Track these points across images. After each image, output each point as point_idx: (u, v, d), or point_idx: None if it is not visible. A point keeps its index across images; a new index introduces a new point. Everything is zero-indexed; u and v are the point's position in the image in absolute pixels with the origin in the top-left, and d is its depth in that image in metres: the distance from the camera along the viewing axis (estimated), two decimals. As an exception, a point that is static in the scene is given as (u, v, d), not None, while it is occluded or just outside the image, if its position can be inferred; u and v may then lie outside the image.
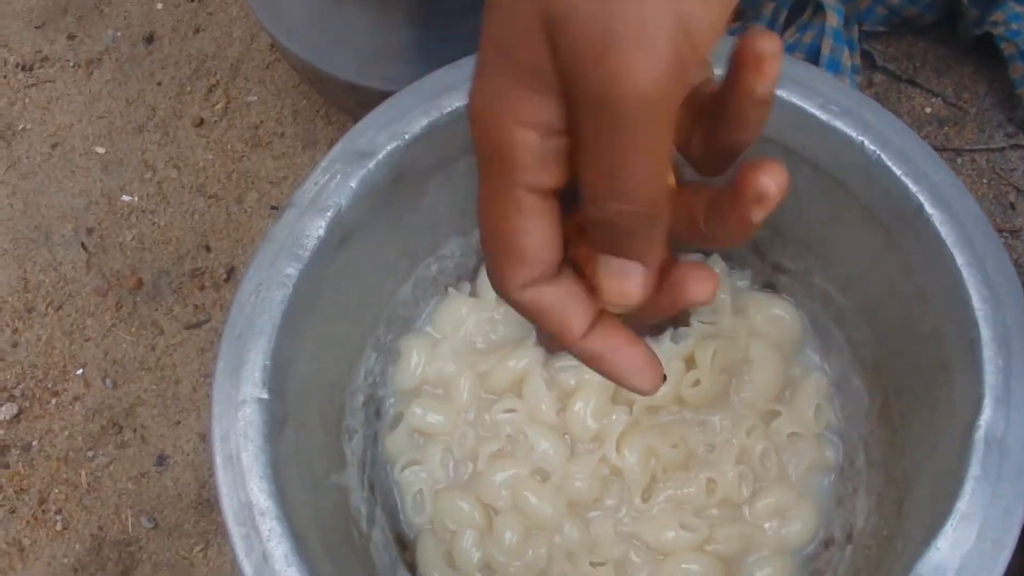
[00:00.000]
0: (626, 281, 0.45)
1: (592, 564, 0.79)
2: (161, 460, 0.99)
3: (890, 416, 0.80)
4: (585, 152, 0.40)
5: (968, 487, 0.63)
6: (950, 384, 0.70)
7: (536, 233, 0.45)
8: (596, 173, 0.40)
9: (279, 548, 0.63)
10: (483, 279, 0.88)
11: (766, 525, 0.82)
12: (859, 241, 0.78)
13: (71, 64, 1.18)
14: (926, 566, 0.62)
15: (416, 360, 0.86)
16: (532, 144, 0.41)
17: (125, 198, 1.10)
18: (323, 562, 0.67)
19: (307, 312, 0.72)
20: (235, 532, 0.64)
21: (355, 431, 0.82)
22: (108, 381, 1.02)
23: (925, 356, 0.74)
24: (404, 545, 0.83)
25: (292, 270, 0.71)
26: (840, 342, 0.85)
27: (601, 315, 0.49)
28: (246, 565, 0.63)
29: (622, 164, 0.39)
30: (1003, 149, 1.07)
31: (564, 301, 0.47)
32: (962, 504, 0.63)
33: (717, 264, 0.88)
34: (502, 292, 0.47)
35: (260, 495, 0.65)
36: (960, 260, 0.69)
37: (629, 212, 0.41)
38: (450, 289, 0.89)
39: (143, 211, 1.09)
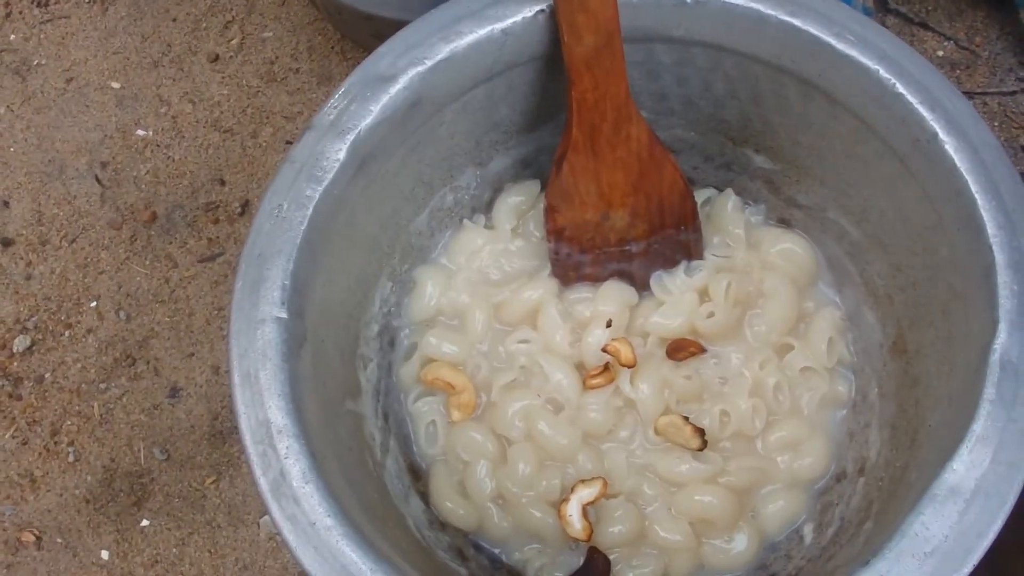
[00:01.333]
0: None
1: (607, 496, 0.79)
2: (174, 392, 0.99)
3: (903, 348, 0.80)
4: None
5: (983, 410, 0.63)
6: (965, 312, 0.70)
7: None
8: None
9: (296, 465, 0.64)
10: (498, 210, 0.88)
11: (779, 458, 0.82)
12: (874, 172, 0.78)
13: (86, 0, 1.18)
14: (941, 487, 0.62)
15: (431, 291, 0.86)
16: None
17: (140, 132, 1.10)
18: (339, 482, 0.67)
19: (326, 235, 0.72)
20: (253, 450, 0.64)
21: (370, 360, 0.82)
22: (122, 314, 1.02)
23: (940, 285, 0.74)
24: (417, 475, 0.83)
25: (312, 191, 0.70)
26: (854, 276, 0.85)
27: None
28: (263, 482, 0.63)
29: None
30: (1014, 93, 1.07)
31: None
32: (977, 427, 0.63)
33: (730, 198, 0.88)
34: None
35: (278, 413, 0.65)
36: (974, 187, 0.69)
37: None
38: (465, 221, 0.88)
39: (158, 145, 1.09)
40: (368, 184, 0.75)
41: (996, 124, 1.02)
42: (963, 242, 0.70)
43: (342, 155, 0.71)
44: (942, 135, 0.70)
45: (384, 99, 0.73)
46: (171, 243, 1.04)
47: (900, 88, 0.71)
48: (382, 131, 0.73)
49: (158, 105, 1.10)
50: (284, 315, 0.67)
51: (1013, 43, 1.07)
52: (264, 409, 0.65)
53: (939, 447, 0.68)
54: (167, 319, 1.01)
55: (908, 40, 1.07)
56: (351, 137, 0.71)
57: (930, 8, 1.08)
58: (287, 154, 0.71)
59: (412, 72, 0.73)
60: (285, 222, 0.69)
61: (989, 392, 0.63)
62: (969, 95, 1.03)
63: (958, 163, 0.70)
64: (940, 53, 1.06)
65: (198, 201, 1.05)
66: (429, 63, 0.74)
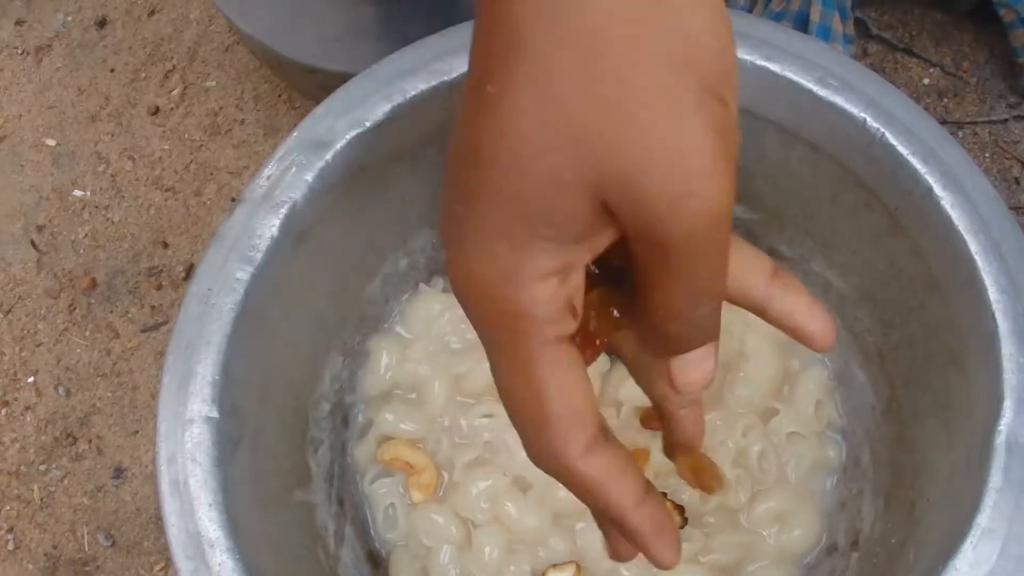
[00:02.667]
0: (707, 364, 0.45)
1: (580, 581, 0.73)
2: (118, 473, 0.93)
3: (898, 411, 0.74)
4: (658, 280, 0.38)
5: (989, 500, 0.57)
6: (965, 380, 0.64)
7: (580, 385, 0.42)
8: (679, 295, 0.39)
9: None
10: None
11: (765, 532, 0.77)
12: (862, 224, 0.72)
13: (19, 51, 1.12)
14: None
15: (386, 362, 0.80)
16: (553, 293, 0.39)
17: (77, 193, 1.04)
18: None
19: (262, 318, 0.66)
20: (183, 566, 0.59)
21: (321, 441, 0.76)
22: (61, 389, 0.96)
23: (937, 348, 0.68)
24: (376, 563, 0.78)
25: (243, 274, 0.64)
26: (842, 333, 0.79)
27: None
28: None
29: (708, 276, 0.38)
30: (1006, 121, 1.01)
31: (623, 461, 0.44)
32: (983, 519, 0.57)
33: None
34: (560, 466, 0.43)
35: (209, 525, 0.59)
36: (974, 247, 0.63)
37: (712, 310, 0.41)
38: (421, 285, 0.83)
39: (96, 206, 1.03)
40: (309, 258, 0.69)
41: (987, 155, 0.97)
42: (962, 305, 0.64)
43: (275, 231, 0.66)
44: (937, 190, 0.64)
45: (321, 166, 0.67)
46: (112, 311, 0.98)
47: (890, 138, 0.66)
48: (322, 201, 0.67)
49: (96, 163, 1.04)
50: (215, 414, 0.61)
51: (1002, 67, 1.01)
52: (195, 520, 0.59)
53: (940, 527, 0.62)
54: (109, 394, 0.95)
55: (892, 68, 1.01)
56: (284, 211, 0.66)
57: (914, 33, 1.03)
58: (216, 231, 0.65)
59: (352, 135, 0.67)
60: (214, 310, 0.64)
61: (995, 479, 0.58)
62: (958, 125, 0.98)
63: (955, 220, 0.64)
64: (926, 81, 1.01)
65: (140, 266, 0.99)
66: (369, 124, 0.68)
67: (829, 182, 0.72)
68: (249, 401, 0.65)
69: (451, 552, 0.75)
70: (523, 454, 0.73)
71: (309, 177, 0.66)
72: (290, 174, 0.66)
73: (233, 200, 1.00)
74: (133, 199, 1.02)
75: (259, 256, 0.65)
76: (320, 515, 0.74)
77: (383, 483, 0.79)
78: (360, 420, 0.81)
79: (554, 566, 0.73)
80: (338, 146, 0.67)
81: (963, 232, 0.64)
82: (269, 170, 0.67)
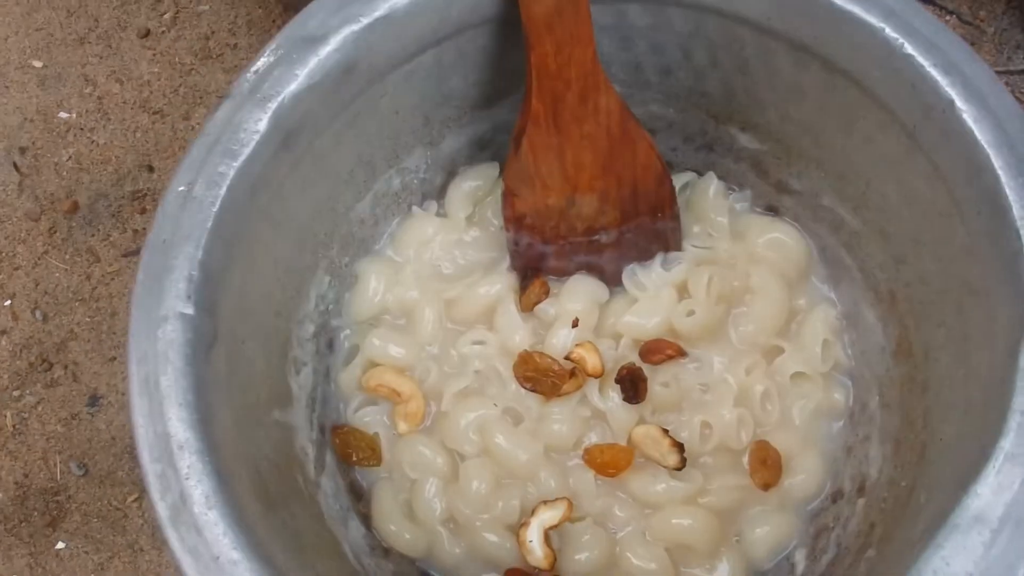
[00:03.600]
0: None
1: (572, 519, 0.70)
2: (94, 400, 0.90)
3: (909, 351, 0.71)
4: None
5: (1013, 422, 0.54)
6: (985, 308, 0.61)
7: None
8: None
9: (199, 487, 0.54)
10: (451, 197, 0.79)
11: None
12: (876, 149, 0.69)
13: (7, -27, 1.08)
14: (964, 515, 0.52)
15: (375, 286, 0.77)
16: None
17: (62, 115, 1.00)
18: (254, 507, 0.57)
19: (245, 219, 0.62)
20: (150, 470, 0.55)
21: (304, 364, 0.73)
22: (38, 313, 0.93)
23: (953, 279, 0.65)
24: (358, 495, 0.74)
25: (226, 168, 0.61)
26: (852, 270, 0.76)
27: None
28: (161, 507, 0.54)
29: None
30: (1023, 72, 0.97)
31: None
32: (1006, 443, 0.54)
33: (712, 183, 0.79)
34: None
35: (179, 425, 0.55)
36: (997, 161, 0.59)
37: None
38: (414, 208, 0.79)
39: (81, 129, 0.99)
40: (296, 162, 0.66)
41: (1004, 106, 0.93)
42: (983, 227, 0.61)
43: (262, 126, 0.62)
44: (959, 103, 0.61)
45: (312, 62, 0.63)
46: (93, 236, 0.94)
47: (909, 49, 0.62)
48: (310, 100, 0.64)
49: (83, 85, 1.00)
50: (190, 311, 0.58)
51: (1020, 18, 0.98)
52: (164, 421, 0.55)
53: (955, 465, 0.59)
54: (87, 319, 0.92)
55: (907, 14, 0.97)
56: (273, 106, 0.62)
57: (931, -21, 0.99)
58: (201, 126, 0.62)
59: (345, 31, 0.64)
60: (195, 203, 0.60)
61: (1019, 401, 0.54)
62: (973, 75, 0.94)
63: (978, 135, 0.60)
64: (942, 29, 0.97)
65: (124, 189, 0.96)
66: (365, 21, 0.64)
67: (843, 105, 0.68)
68: (228, 306, 0.61)
69: (437, 485, 0.72)
70: (514, 384, 0.72)
71: (299, 72, 0.63)
72: (279, 69, 0.63)
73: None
74: (119, 122, 0.99)
75: (244, 151, 0.61)
76: (300, 439, 0.70)
77: (367, 411, 0.75)
78: (346, 345, 0.77)
79: (545, 502, 0.70)
80: (331, 41, 0.64)
81: (986, 146, 0.60)
82: (257, 65, 0.63)
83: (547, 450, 0.72)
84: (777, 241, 0.78)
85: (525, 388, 0.72)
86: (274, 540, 0.57)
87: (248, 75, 0.63)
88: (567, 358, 0.72)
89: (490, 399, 0.73)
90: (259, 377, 0.66)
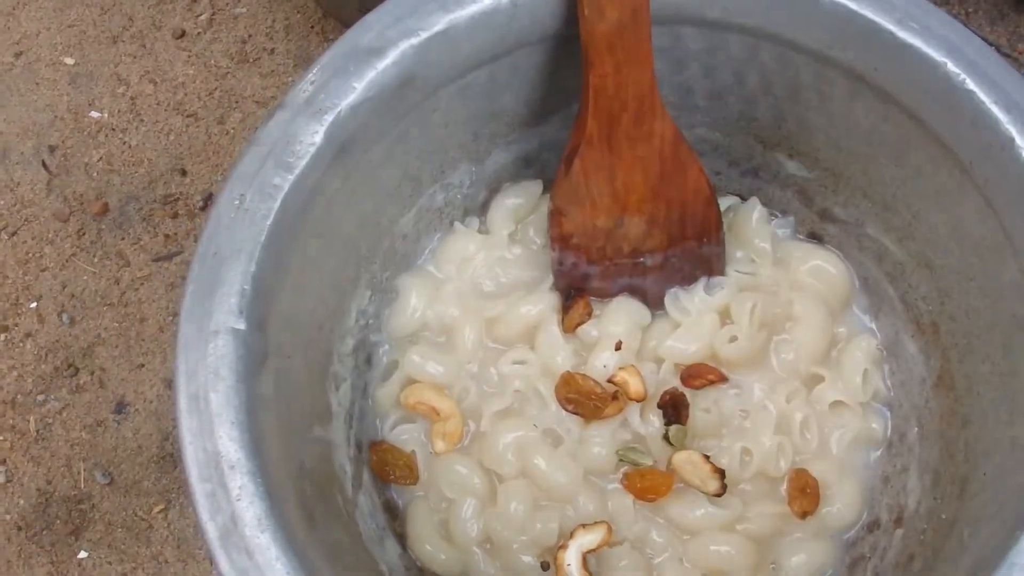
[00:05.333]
0: None
1: (610, 544, 0.69)
2: (120, 408, 0.89)
3: (951, 384, 0.70)
4: None
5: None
6: None
7: None
8: None
9: (251, 510, 0.53)
10: (494, 213, 0.78)
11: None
12: (927, 183, 0.68)
13: (40, -32, 1.07)
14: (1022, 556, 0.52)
15: (415, 302, 0.76)
16: None
17: (94, 114, 0.99)
18: (301, 527, 0.57)
19: (296, 232, 0.62)
20: (199, 489, 0.54)
21: (343, 379, 0.72)
22: (65, 317, 0.92)
23: (1002, 314, 0.64)
24: (394, 514, 0.73)
25: (281, 180, 0.60)
26: (894, 300, 0.76)
27: None
28: (211, 528, 0.53)
29: None
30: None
31: None
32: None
33: (756, 208, 0.78)
34: None
35: (231, 444, 0.54)
36: (1055, 200, 0.59)
37: None
38: (456, 224, 0.78)
39: (113, 129, 0.98)
40: (347, 175, 0.65)
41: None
42: None
43: (318, 138, 0.61)
44: (1019, 140, 0.60)
45: (370, 75, 0.63)
46: (123, 239, 0.93)
47: (971, 85, 0.62)
48: (366, 112, 0.63)
49: (115, 85, 1.00)
50: (242, 326, 0.57)
51: (1059, 50, 0.97)
52: (214, 440, 0.55)
53: (1000, 502, 0.59)
54: (115, 324, 0.91)
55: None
56: (330, 118, 0.61)
57: (970, 10, 0.99)
58: (253, 135, 0.61)
59: (404, 45, 0.63)
60: (248, 215, 0.59)
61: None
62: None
63: (1040, 171, 0.60)
64: (980, 59, 0.97)
65: (155, 193, 0.95)
66: (424, 35, 0.64)
67: (896, 137, 0.68)
68: (276, 321, 0.60)
69: (474, 506, 0.71)
70: (555, 405, 0.71)
71: (357, 85, 0.62)
72: (336, 80, 0.62)
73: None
74: (152, 123, 0.98)
75: (299, 164, 0.61)
76: (338, 456, 0.69)
77: (404, 429, 0.74)
78: (384, 361, 0.76)
79: (584, 526, 0.69)
80: (389, 55, 0.63)
81: None
82: (313, 75, 0.63)
83: (586, 473, 0.71)
84: (820, 269, 0.77)
85: (567, 410, 0.71)
86: (321, 562, 0.56)
87: (304, 85, 0.62)
88: (610, 381, 0.71)
89: (530, 420, 0.72)
90: (303, 393, 0.65)
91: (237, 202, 0.60)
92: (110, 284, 0.93)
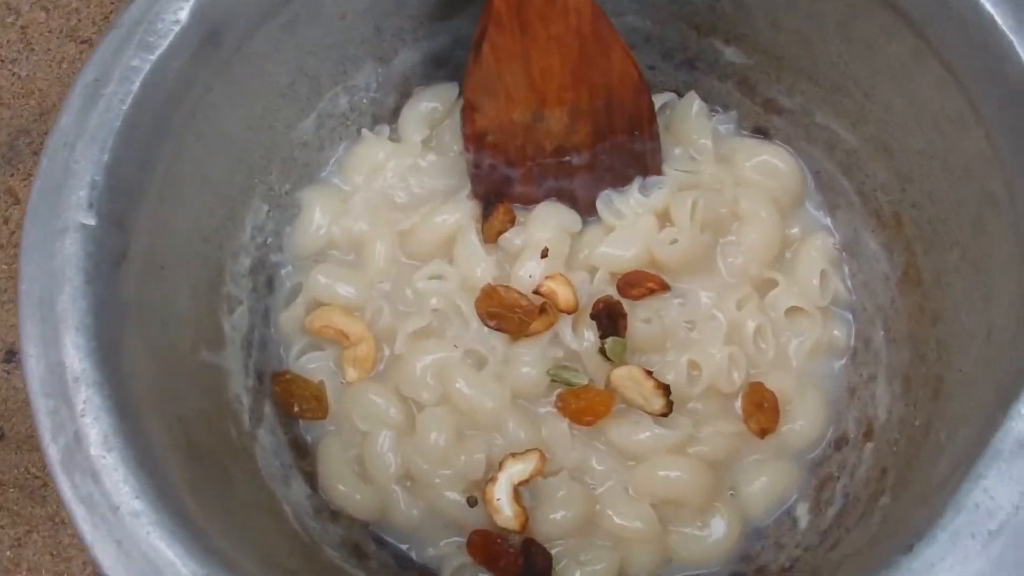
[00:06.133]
0: None
1: (545, 473, 0.63)
2: (10, 356, 0.81)
3: (917, 279, 0.65)
4: None
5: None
6: (1009, 217, 0.54)
7: None
8: None
9: (96, 426, 0.47)
10: (406, 119, 0.71)
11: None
12: (880, 56, 0.62)
13: (-77, -101, 1.00)
14: (1007, 439, 0.46)
15: (320, 217, 0.69)
16: None
17: (-20, 47, 0.92)
18: (169, 453, 0.50)
19: (165, 125, 0.55)
20: (40, 406, 0.48)
21: (239, 302, 0.65)
22: (-50, 263, 0.84)
23: (969, 192, 0.58)
24: (302, 451, 0.67)
25: (140, 62, 0.54)
26: (850, 193, 0.70)
27: None
28: (52, 451, 0.47)
29: None
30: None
31: None
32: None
33: (694, 102, 0.71)
34: None
35: (75, 353, 0.48)
36: (1022, 48, 0.53)
37: None
38: (364, 131, 0.72)
39: (2, 60, 0.91)
40: (224, 65, 0.59)
41: None
42: (1007, 123, 0.54)
43: (183, 16, 0.56)
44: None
45: (239, -54, 0.55)
46: (13, 175, 0.86)
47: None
48: (241, -7, 0.56)
49: (5, 13, 0.92)
50: (92, 221, 0.51)
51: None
52: (58, 348, 0.47)
53: (980, 396, 0.54)
54: (4, 267, 0.83)
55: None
56: (195, -6, 0.54)
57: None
58: (115, 19, 0.54)
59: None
60: (102, 101, 0.54)
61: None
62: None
63: (999, 20, 0.54)
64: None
65: (47, 126, 0.87)
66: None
67: (840, 7, 0.62)
68: (141, 219, 0.54)
69: (391, 438, 0.65)
70: (476, 323, 0.64)
71: (226, -43, 0.55)
72: (203, -46, 0.55)
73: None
74: (44, 52, 0.90)
75: (161, 44, 0.54)
76: (233, 385, 0.63)
77: (312, 357, 0.68)
78: (287, 284, 0.69)
79: (513, 455, 0.62)
80: (259, -77, 0.56)
81: (1009, 32, 0.53)
82: (179, -49, 0.55)
83: (515, 396, 0.65)
84: (767, 164, 0.71)
85: (489, 327, 0.65)
86: (193, 493, 0.49)
87: (166, -36, 0.55)
88: (536, 292, 0.64)
89: (450, 340, 0.66)
90: (183, 310, 0.59)
91: (91, 87, 0.53)
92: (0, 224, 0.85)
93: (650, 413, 0.63)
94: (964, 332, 0.58)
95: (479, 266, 0.66)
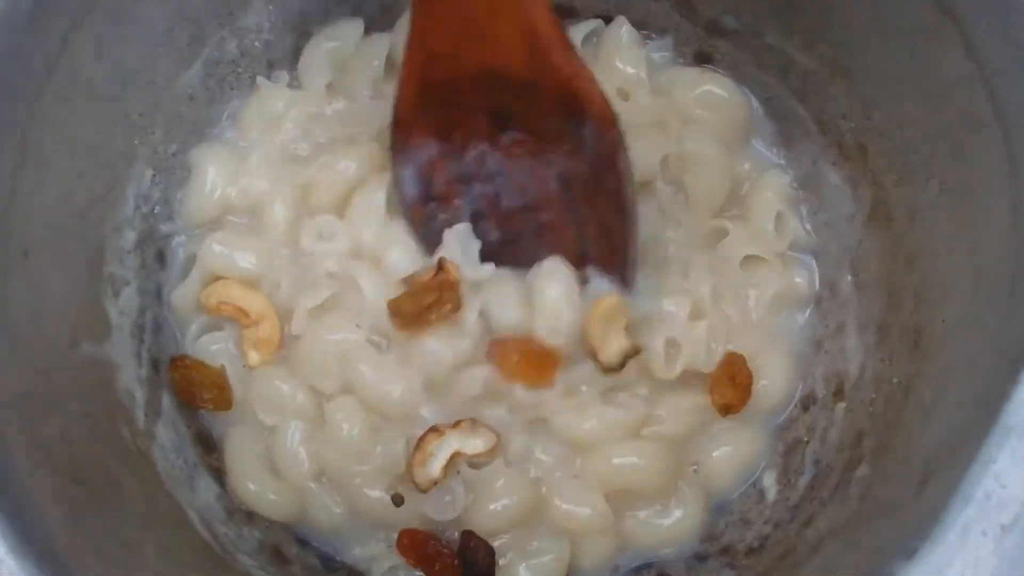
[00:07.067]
0: None
1: (471, 464, 0.57)
2: None
3: (887, 216, 0.60)
4: None
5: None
6: (998, 140, 0.50)
7: None
8: None
9: None
10: (306, 62, 0.65)
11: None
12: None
13: None
14: (1021, 413, 0.40)
15: (214, 179, 0.62)
16: None
17: None
18: (37, 480, 0.43)
19: (14, 82, 0.47)
20: None
21: (125, 282, 0.59)
22: None
23: (948, 115, 0.54)
24: (208, 446, 0.61)
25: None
26: (807, 123, 0.65)
27: None
28: None
29: None
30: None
31: None
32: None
33: (623, 28, 0.65)
34: None
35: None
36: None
37: None
38: (260, 79, 0.65)
39: None
40: (85, 9, 0.51)
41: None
42: (994, 32, 0.49)
43: None
44: None
45: None
46: None
47: None
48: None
49: None
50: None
51: None
52: None
53: (968, 352, 0.49)
54: None
55: None
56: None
57: None
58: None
59: None
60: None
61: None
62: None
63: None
64: None
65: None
66: None
67: None
68: (5, 203, 0.46)
69: (301, 430, 0.58)
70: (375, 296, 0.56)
71: None
72: None
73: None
74: None
75: None
76: (123, 379, 0.56)
77: (213, 338, 0.61)
78: (180, 256, 0.63)
79: (434, 429, 0.55)
80: None
81: None
82: None
83: (428, 382, 0.57)
84: (710, 96, 0.65)
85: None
86: (69, 521, 0.42)
87: None
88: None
89: (351, 317, 0.58)
90: (58, 302, 0.52)
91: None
92: None
93: (600, 364, 0.56)
94: (946, 277, 0.53)
95: (372, 223, 0.59)
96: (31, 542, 0.39)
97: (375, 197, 0.59)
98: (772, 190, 0.64)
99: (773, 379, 0.61)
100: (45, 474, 0.43)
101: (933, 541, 0.38)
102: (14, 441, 0.42)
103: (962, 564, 0.38)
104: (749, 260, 0.62)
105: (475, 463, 0.56)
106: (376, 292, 0.57)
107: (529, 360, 0.56)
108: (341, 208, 0.60)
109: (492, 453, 0.57)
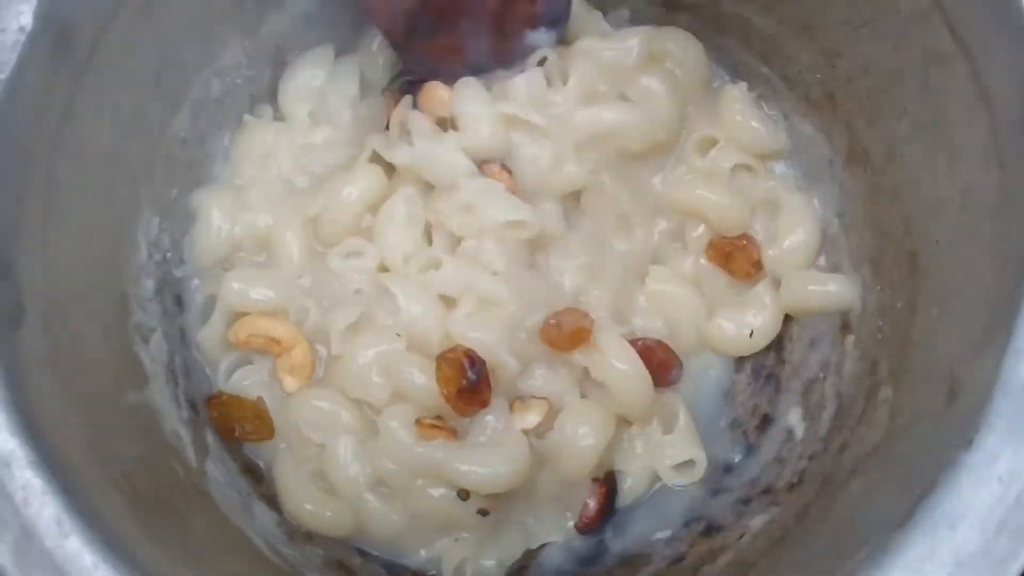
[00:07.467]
0: None
1: (538, 435, 0.59)
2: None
3: (865, 157, 0.62)
4: None
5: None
6: (964, 70, 0.51)
7: None
8: None
9: (45, 512, 0.41)
10: (285, 94, 0.66)
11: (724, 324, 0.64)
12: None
13: None
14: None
15: (218, 219, 0.63)
16: None
17: None
18: (123, 518, 0.44)
19: (34, 153, 0.49)
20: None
21: (151, 329, 0.59)
22: None
23: (910, 52, 0.56)
24: (256, 476, 0.61)
25: (-13, 83, 0.47)
26: (773, 81, 0.66)
27: None
28: (1, 551, 0.40)
29: None
30: None
31: None
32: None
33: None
34: None
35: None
36: None
37: None
38: (245, 116, 0.66)
39: None
40: (83, 69, 0.52)
41: None
42: None
43: (26, 22, 0.48)
44: None
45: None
46: None
47: None
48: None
49: None
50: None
51: None
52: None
53: (968, 263, 0.51)
54: None
55: None
56: (36, -2, 0.48)
57: None
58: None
59: None
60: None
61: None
62: None
63: None
64: None
65: None
66: None
67: None
68: (31, 267, 0.48)
69: (351, 444, 0.59)
70: (410, 306, 0.58)
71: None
72: (30, -58, 0.48)
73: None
74: None
75: (11, 58, 0.47)
76: (168, 421, 0.57)
77: (244, 373, 0.62)
78: (198, 297, 0.63)
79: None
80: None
81: None
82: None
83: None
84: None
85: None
86: (160, 554, 0.44)
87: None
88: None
89: (388, 328, 0.59)
90: (98, 353, 0.53)
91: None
92: None
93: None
94: (932, 201, 0.55)
95: (401, 235, 0.60)
96: (115, 550, 0.40)
97: (399, 209, 0.60)
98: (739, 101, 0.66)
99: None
100: (120, 504, 0.45)
101: (986, 431, 0.40)
102: (89, 474, 0.43)
103: (1015, 447, 0.40)
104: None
105: (540, 433, 0.58)
106: (409, 300, 0.58)
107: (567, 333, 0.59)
108: (357, 230, 0.62)
109: (549, 421, 0.58)
